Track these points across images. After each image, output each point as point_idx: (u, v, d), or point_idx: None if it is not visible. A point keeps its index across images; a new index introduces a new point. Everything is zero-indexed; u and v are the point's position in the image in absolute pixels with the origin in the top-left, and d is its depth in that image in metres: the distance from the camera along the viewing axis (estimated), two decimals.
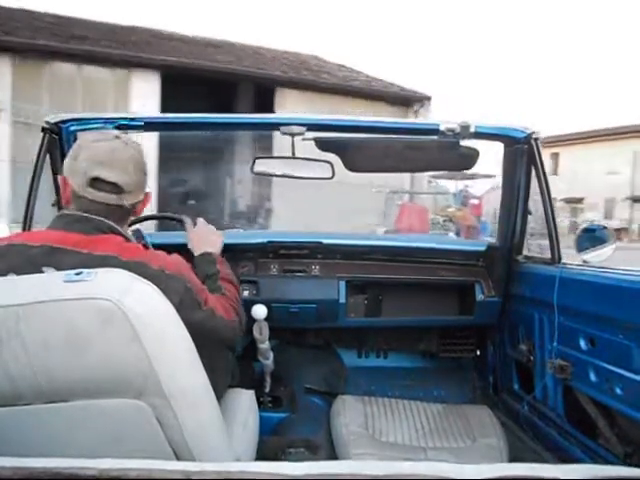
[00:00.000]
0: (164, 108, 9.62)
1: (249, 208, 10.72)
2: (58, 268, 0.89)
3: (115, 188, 1.01)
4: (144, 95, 9.68)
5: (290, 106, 10.56)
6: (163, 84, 10.04)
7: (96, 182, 1.00)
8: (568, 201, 21.45)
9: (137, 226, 1.55)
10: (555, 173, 21.78)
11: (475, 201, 12.71)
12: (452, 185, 13.52)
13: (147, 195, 1.12)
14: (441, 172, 10.90)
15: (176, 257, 1.06)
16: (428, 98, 12.33)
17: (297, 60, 12.73)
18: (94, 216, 1.00)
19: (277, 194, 10.43)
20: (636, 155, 22.00)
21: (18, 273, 0.89)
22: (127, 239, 1.05)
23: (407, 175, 11.43)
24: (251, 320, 1.65)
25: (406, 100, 12.27)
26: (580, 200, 21.76)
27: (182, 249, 1.52)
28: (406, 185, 11.89)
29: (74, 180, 1.01)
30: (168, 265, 1.00)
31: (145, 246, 1.53)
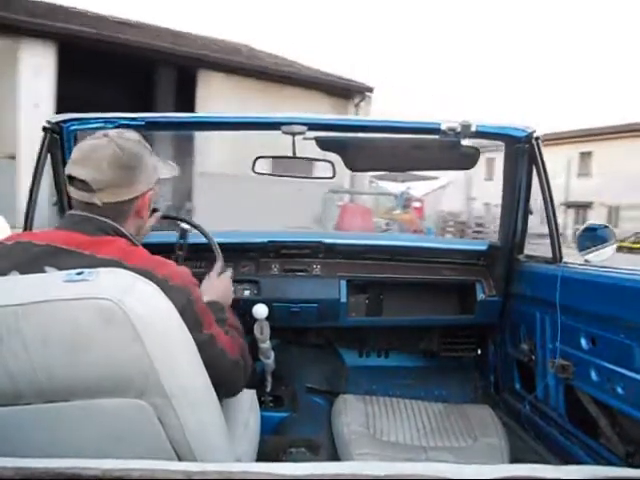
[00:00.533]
0: (62, 86, 8.27)
1: (168, 209, 9.85)
2: (60, 269, 0.88)
3: (85, 186, 0.99)
4: (36, 69, 8.14)
5: (215, 91, 9.36)
6: (61, 58, 8.37)
7: (71, 180, 1.00)
8: None
9: (185, 226, 1.55)
10: (490, 178, 21.60)
11: (417, 204, 12.40)
12: (393, 186, 12.85)
13: (144, 193, 1.05)
14: (383, 172, 10.44)
15: (184, 269, 1.02)
16: (370, 89, 11.34)
17: (225, 46, 11.19)
18: (97, 216, 0.99)
19: (199, 193, 9.67)
20: (570, 161, 22.12)
21: (21, 271, 0.89)
22: (132, 242, 1.03)
23: (347, 174, 10.61)
24: (252, 319, 1.66)
25: (346, 91, 11.16)
26: None
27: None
28: (346, 184, 11.07)
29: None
30: (173, 275, 0.95)
31: (180, 247, 1.52)
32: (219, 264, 1.44)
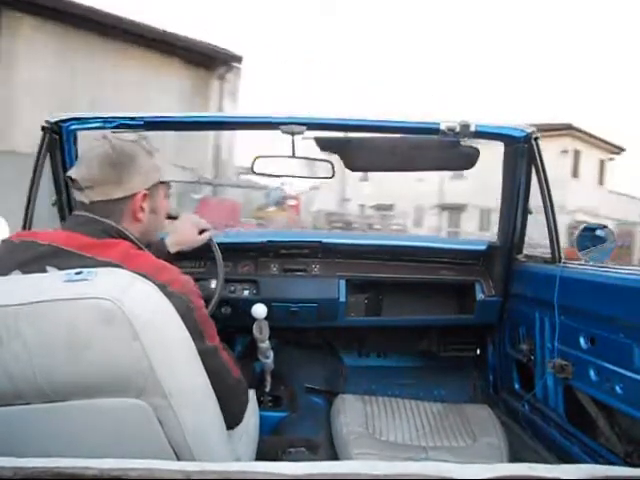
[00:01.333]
0: None
1: None
2: (61, 269, 0.87)
3: (77, 184, 1.00)
4: None
5: (23, 40, 7.00)
6: None
7: (72, 181, 1.02)
8: (378, 208, 20.79)
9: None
10: (365, 179, 21.32)
11: (292, 201, 11.52)
12: (265, 181, 11.11)
13: (138, 195, 1.03)
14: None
15: (187, 277, 0.98)
16: (238, 58, 9.19)
17: None
18: (102, 218, 0.99)
19: None
20: None
21: (23, 270, 0.89)
22: (137, 245, 1.01)
23: (211, 162, 8.84)
24: (251, 319, 1.66)
25: (207, 59, 8.81)
26: (390, 207, 21.11)
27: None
28: (208, 174, 8.87)
29: None
30: (174, 282, 0.92)
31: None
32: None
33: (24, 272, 0.89)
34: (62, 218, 1.65)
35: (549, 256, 1.60)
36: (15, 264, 0.91)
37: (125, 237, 1.00)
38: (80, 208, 1.02)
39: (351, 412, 1.72)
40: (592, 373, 1.33)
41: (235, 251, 1.86)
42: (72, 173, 1.01)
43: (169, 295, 0.86)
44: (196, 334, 0.90)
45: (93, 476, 0.35)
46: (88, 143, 1.08)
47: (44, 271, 0.89)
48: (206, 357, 0.90)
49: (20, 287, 0.81)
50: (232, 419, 1.04)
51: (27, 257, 0.92)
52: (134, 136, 1.09)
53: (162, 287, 0.87)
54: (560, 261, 1.55)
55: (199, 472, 0.37)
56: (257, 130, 1.75)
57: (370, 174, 19.70)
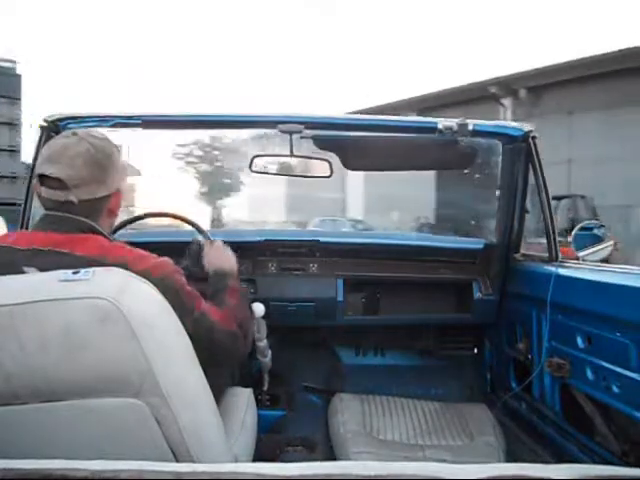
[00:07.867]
0: None
1: None
2: (41, 269, 0.89)
3: (60, 184, 0.98)
4: None
5: None
6: None
7: (44, 179, 0.99)
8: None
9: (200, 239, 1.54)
10: None
11: None
12: None
13: (117, 192, 1.07)
14: None
15: (164, 260, 1.02)
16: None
17: None
18: (72, 215, 0.99)
19: None
20: None
21: (1, 274, 0.88)
22: (108, 239, 1.03)
23: None
24: None
25: None
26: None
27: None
28: None
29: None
30: (154, 269, 0.96)
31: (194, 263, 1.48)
32: (206, 235, 1.51)
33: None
34: None
35: (546, 255, 1.60)
36: None
37: (97, 232, 1.01)
38: (57, 208, 1.00)
39: (349, 411, 1.72)
40: (589, 372, 1.33)
41: (232, 250, 1.85)
42: (54, 172, 0.98)
43: (155, 283, 0.89)
44: (185, 310, 0.95)
45: (83, 477, 0.35)
46: (55, 140, 1.06)
47: (22, 273, 0.89)
48: (197, 325, 0.97)
49: (16, 287, 0.81)
50: (225, 364, 1.15)
51: (3, 262, 0.92)
52: (104, 133, 1.10)
53: (146, 275, 0.90)
54: (557, 260, 1.55)
55: (190, 473, 0.38)
56: (255, 129, 1.75)
57: None
